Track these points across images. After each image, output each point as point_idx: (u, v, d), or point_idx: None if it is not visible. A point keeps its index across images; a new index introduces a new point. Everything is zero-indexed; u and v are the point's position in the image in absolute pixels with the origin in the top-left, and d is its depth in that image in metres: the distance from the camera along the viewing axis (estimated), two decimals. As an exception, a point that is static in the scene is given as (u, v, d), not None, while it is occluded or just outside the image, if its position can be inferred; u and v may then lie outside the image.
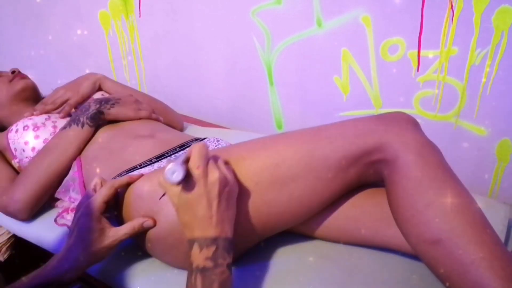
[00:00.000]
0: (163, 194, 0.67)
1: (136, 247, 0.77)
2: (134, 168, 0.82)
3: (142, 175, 0.74)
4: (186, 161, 0.60)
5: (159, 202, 0.68)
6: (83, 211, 0.68)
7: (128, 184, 0.73)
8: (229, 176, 0.62)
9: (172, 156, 0.86)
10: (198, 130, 1.30)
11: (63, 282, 0.66)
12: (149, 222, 0.68)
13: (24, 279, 0.66)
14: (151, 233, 0.70)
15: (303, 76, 1.31)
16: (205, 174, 0.59)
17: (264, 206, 0.68)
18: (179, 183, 0.57)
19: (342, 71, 1.23)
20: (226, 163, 0.66)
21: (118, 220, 0.75)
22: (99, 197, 0.69)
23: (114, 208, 0.74)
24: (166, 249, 0.71)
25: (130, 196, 0.72)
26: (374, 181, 0.71)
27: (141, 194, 0.70)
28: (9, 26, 1.80)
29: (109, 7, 1.58)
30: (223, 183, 0.60)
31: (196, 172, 0.58)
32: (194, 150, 0.60)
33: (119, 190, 0.72)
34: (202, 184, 0.59)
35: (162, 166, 0.82)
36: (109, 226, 0.69)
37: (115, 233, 0.68)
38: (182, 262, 0.72)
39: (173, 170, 0.56)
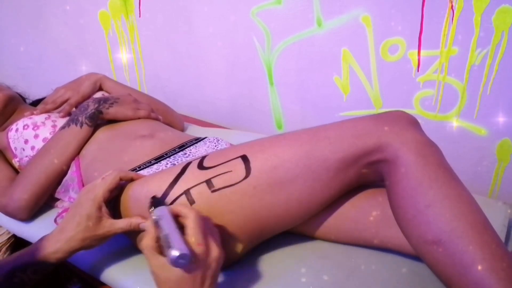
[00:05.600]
0: (151, 206, 0.65)
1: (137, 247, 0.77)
2: (133, 170, 0.82)
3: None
4: (181, 230, 0.56)
5: None
6: (88, 195, 0.68)
7: (131, 180, 0.72)
8: (223, 252, 0.59)
9: (171, 157, 0.86)
10: (198, 130, 1.30)
11: (49, 263, 0.66)
12: (146, 225, 0.68)
13: (8, 257, 0.66)
14: None
15: (303, 76, 1.31)
16: (207, 253, 0.56)
17: (263, 209, 0.67)
18: None
19: (342, 71, 1.23)
20: (215, 227, 0.62)
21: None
22: (104, 185, 0.69)
23: (111, 208, 0.74)
24: None
25: (127, 198, 0.71)
26: (374, 181, 0.71)
27: (139, 197, 0.70)
28: (9, 26, 1.80)
29: (109, 7, 1.58)
30: (221, 262, 0.58)
31: (198, 250, 0.55)
32: (192, 224, 0.57)
33: (122, 182, 0.71)
34: (202, 264, 0.56)
35: (161, 168, 0.81)
36: (107, 217, 0.68)
37: (111, 225, 0.68)
38: None
39: (180, 255, 0.52)
